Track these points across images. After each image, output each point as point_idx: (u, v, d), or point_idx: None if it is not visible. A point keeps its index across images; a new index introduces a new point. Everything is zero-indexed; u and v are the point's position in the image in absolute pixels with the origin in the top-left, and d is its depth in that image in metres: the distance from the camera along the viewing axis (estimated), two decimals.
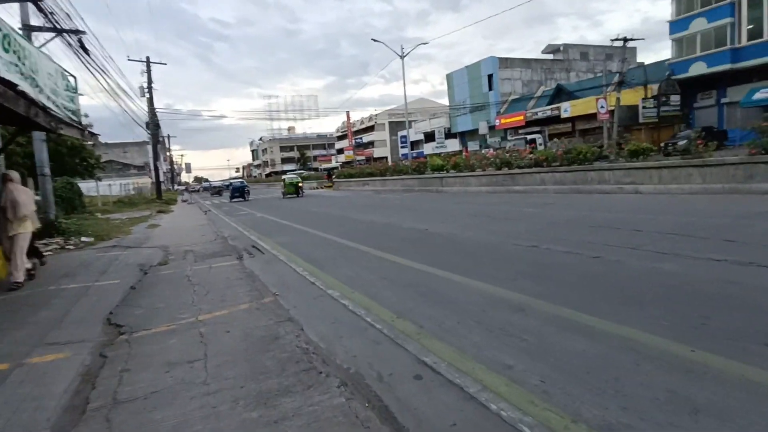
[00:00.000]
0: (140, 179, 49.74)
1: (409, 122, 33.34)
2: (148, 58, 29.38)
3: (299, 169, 68.78)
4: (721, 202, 9.16)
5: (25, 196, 5.78)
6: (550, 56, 46.02)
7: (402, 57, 27.56)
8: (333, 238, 8.77)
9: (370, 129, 73.33)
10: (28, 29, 10.01)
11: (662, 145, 22.30)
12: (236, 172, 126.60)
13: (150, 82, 29.76)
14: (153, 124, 30.78)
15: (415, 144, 50.26)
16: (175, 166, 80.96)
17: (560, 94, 35.42)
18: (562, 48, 45.53)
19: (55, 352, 3.51)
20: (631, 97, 27.93)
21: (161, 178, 36.55)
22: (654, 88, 27.60)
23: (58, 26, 9.87)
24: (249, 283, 5.42)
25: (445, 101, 52.87)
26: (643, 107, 27.18)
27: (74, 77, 7.72)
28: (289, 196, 27.32)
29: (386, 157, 62.48)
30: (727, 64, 25.07)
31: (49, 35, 10.21)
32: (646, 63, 33.69)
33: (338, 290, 4.78)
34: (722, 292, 3.72)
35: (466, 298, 4.17)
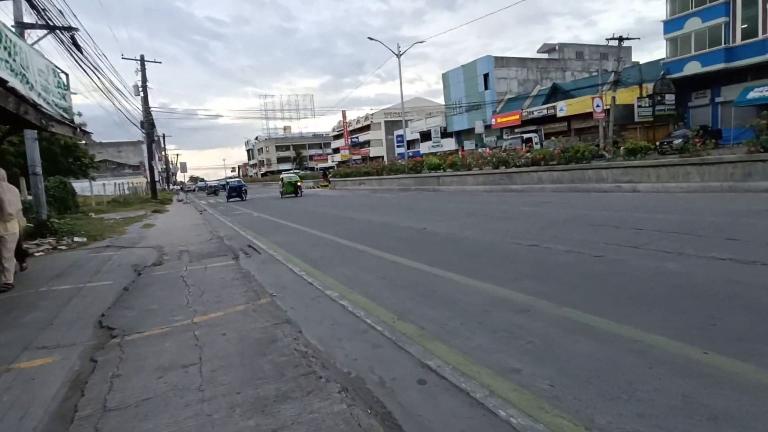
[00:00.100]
0: (135, 179, 49.30)
1: (406, 121, 33.23)
2: (142, 56, 29.08)
3: (295, 169, 68.48)
4: (719, 200, 9.14)
5: (11, 195, 5.62)
6: (546, 55, 46.09)
7: (398, 55, 27.46)
8: (330, 237, 8.67)
9: (366, 128, 73.19)
10: (21, 26, 9.82)
11: (657, 144, 22.35)
12: (232, 171, 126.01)
13: (144, 80, 29.47)
14: (148, 123, 30.49)
15: (411, 143, 50.20)
16: (171, 166, 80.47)
17: (556, 93, 35.49)
18: (557, 47, 45.60)
19: (44, 356, 3.38)
20: (626, 96, 28.00)
21: (156, 178, 36.24)
22: (649, 87, 27.69)
23: (51, 23, 9.69)
24: (245, 284, 5.31)
25: (441, 100, 52.86)
26: (639, 106, 27.25)
27: (66, 74, 7.57)
28: (287, 195, 26.53)
29: (382, 157, 62.37)
30: (721, 64, 25.18)
31: (41, 33, 10.02)
32: (640, 62, 33.82)
33: (336, 291, 4.68)
34: (728, 291, 3.65)
35: (468, 298, 4.08)
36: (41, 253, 8.52)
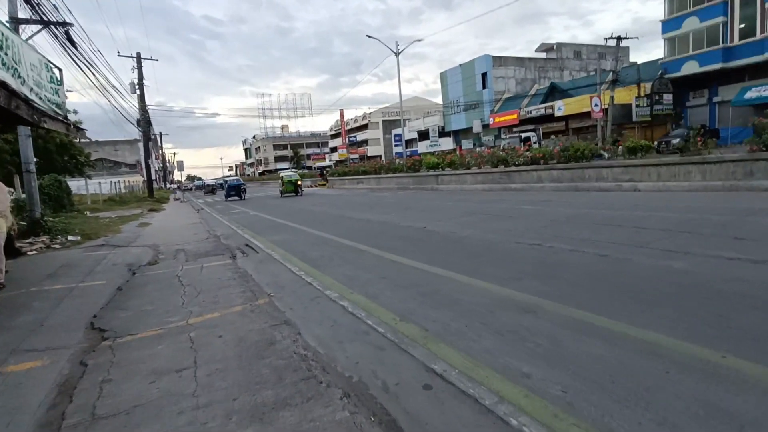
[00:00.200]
0: (132, 177, 48.96)
1: (404, 120, 33.10)
2: (138, 54, 28.84)
3: (293, 168, 68.23)
4: (721, 199, 9.07)
5: (0, 194, 5.48)
6: (544, 55, 46.05)
7: (397, 54, 27.33)
8: (329, 236, 8.54)
9: (363, 127, 73.00)
10: (15, 22, 9.63)
11: (656, 143, 22.34)
12: (229, 170, 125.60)
13: (141, 78, 29.22)
14: (144, 121, 30.25)
15: (408, 143, 50.06)
16: (167, 165, 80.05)
17: (554, 92, 35.44)
18: (555, 47, 45.56)
19: (33, 359, 3.25)
20: (624, 95, 27.99)
21: (153, 177, 35.99)
22: (647, 86, 27.68)
23: (45, 18, 9.51)
24: (242, 284, 5.18)
25: (439, 100, 52.71)
26: (637, 106, 27.24)
27: (60, 69, 7.41)
28: (287, 194, 25.68)
29: (380, 156, 62.15)
30: (719, 63, 25.17)
31: (35, 28, 9.82)
32: (638, 62, 33.82)
33: (336, 291, 4.56)
34: (738, 291, 3.55)
35: (472, 298, 3.97)
36: (34, 252, 8.35)
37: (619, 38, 26.78)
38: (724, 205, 8.30)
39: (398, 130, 45.28)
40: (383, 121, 67.69)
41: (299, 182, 26.33)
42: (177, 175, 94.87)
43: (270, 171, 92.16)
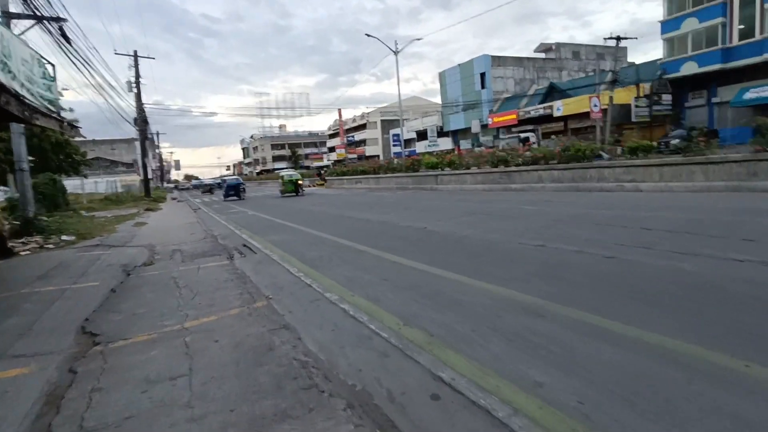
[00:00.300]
0: (128, 176, 48.69)
1: (402, 120, 32.97)
2: (135, 52, 28.59)
3: (291, 167, 67.94)
4: (725, 199, 8.97)
5: None
6: (543, 55, 46.02)
7: (396, 53, 27.21)
8: (327, 236, 8.41)
9: (362, 127, 72.81)
10: (6, 16, 9.45)
11: (655, 144, 22.28)
12: (227, 170, 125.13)
13: (138, 76, 28.98)
14: (141, 120, 30.01)
15: (407, 142, 49.97)
16: (165, 164, 79.70)
17: (553, 92, 35.36)
18: (554, 47, 45.53)
19: (20, 365, 3.10)
20: (623, 96, 27.93)
21: (150, 176, 35.73)
22: (646, 87, 27.64)
23: (38, 13, 9.32)
24: (240, 285, 5.04)
25: (437, 99, 52.65)
26: (636, 106, 27.20)
27: (52, 65, 7.25)
28: (288, 194, 24.91)
29: (378, 156, 62.02)
30: (718, 64, 25.14)
31: (28, 23, 9.65)
32: (636, 63, 33.81)
33: (337, 293, 4.43)
34: (754, 294, 3.44)
35: (477, 301, 3.84)
36: (27, 252, 8.18)
37: (618, 38, 26.73)
38: (729, 205, 8.20)
39: (397, 130, 45.20)
40: (381, 120, 67.54)
41: (300, 182, 25.54)
42: (174, 175, 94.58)
43: (268, 170, 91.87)
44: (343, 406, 2.28)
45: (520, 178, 15.72)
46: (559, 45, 45.68)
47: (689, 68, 26.25)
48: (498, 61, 41.86)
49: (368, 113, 71.69)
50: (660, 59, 28.12)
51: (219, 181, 52.73)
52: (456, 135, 45.73)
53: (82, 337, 3.63)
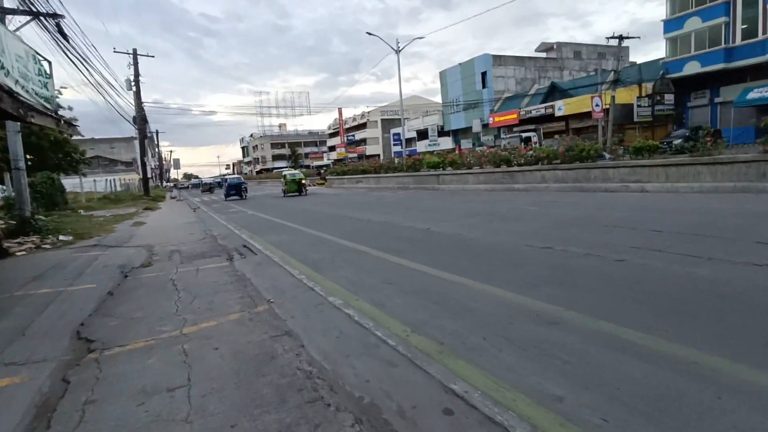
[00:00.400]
0: (127, 175, 48.53)
1: (403, 119, 32.80)
2: (135, 50, 28.42)
3: (290, 166, 67.72)
4: (734, 201, 8.83)
5: None
6: (544, 54, 45.86)
7: (398, 51, 27.03)
8: (329, 237, 8.27)
9: (362, 126, 72.61)
10: (1, 12, 9.30)
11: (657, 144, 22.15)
12: (226, 169, 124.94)
13: (137, 75, 28.80)
14: (140, 119, 29.83)
15: (407, 142, 49.70)
16: (164, 163, 79.49)
17: (554, 92, 35.23)
18: (555, 46, 45.37)
19: (11, 374, 2.96)
20: (625, 95, 27.80)
21: (149, 175, 35.56)
22: (648, 86, 27.50)
23: (34, 9, 9.16)
24: (240, 289, 4.90)
25: (437, 99, 52.49)
26: (638, 106, 27.06)
27: (49, 62, 7.10)
28: (291, 194, 24.07)
29: (378, 155, 61.85)
30: (721, 64, 25.02)
31: (24, 19, 9.48)
32: (637, 63, 33.68)
33: (340, 297, 4.29)
34: None
35: (487, 307, 3.70)
36: (23, 253, 8.04)
37: (620, 37, 26.56)
38: (739, 207, 8.07)
39: (397, 129, 44.99)
40: (382, 120, 67.36)
41: (303, 181, 24.74)
42: (173, 174, 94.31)
43: (267, 169, 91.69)
44: (351, 422, 2.15)
45: (522, 178, 15.57)
46: (560, 44, 45.51)
47: (692, 68, 26.12)
48: (499, 60, 41.69)
49: (368, 112, 71.49)
50: (662, 59, 27.99)
51: (219, 180, 52.47)
52: (457, 134, 45.59)
53: (77, 343, 3.49)
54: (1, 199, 13.58)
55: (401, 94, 29.12)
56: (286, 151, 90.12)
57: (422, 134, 49.71)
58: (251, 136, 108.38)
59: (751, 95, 24.08)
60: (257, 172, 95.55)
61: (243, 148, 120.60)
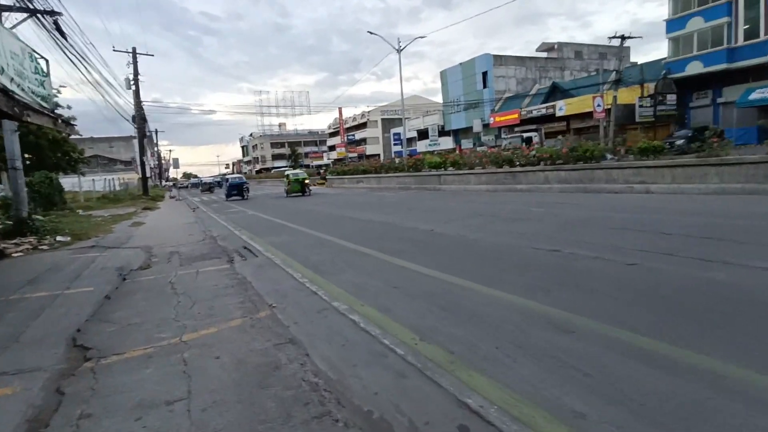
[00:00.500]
0: (127, 175, 48.40)
1: (404, 119, 32.64)
2: (134, 48, 28.27)
3: (290, 166, 67.55)
4: (743, 203, 8.70)
5: None
6: (545, 54, 45.75)
7: (399, 50, 26.90)
8: (330, 238, 8.14)
9: (362, 126, 72.47)
10: None
11: (663, 145, 22.02)
12: (226, 168, 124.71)
13: (136, 74, 28.65)
14: (139, 118, 29.68)
15: (408, 141, 49.62)
16: (163, 162, 79.29)
17: (555, 92, 35.11)
18: (556, 46, 45.26)
19: (2, 385, 2.84)
20: (627, 95, 27.68)
21: (148, 174, 35.40)
22: (650, 87, 27.39)
23: (32, 6, 9.02)
24: (241, 292, 4.77)
25: (438, 98, 52.40)
26: (640, 106, 26.94)
27: (46, 60, 6.97)
28: (294, 194, 23.53)
29: (378, 155, 61.73)
30: (723, 64, 24.91)
31: (20, 16, 9.34)
32: (638, 63, 33.57)
33: (344, 302, 4.16)
34: None
35: (497, 313, 3.58)
36: (20, 254, 7.90)
37: (623, 37, 26.45)
38: (747, 209, 7.94)
39: (398, 129, 44.88)
40: (382, 119, 67.22)
41: (306, 181, 24.14)
42: (173, 173, 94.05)
43: (267, 169, 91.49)
44: None
45: (525, 179, 15.45)
46: (561, 44, 45.41)
47: (694, 68, 26.01)
48: (500, 60, 41.57)
49: (369, 112, 71.34)
50: (664, 58, 27.88)
51: (219, 179, 52.27)
52: (457, 134, 45.49)
53: (73, 351, 3.36)
54: None
55: (402, 94, 28.98)
56: (286, 150, 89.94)
57: (423, 134, 49.58)
58: (251, 135, 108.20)
59: (753, 96, 23.99)
60: (257, 172, 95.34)
61: (243, 147, 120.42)
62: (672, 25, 27.10)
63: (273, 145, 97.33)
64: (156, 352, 3.22)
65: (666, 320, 3.17)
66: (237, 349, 3.20)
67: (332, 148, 77.31)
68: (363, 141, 71.25)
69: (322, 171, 44.97)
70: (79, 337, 3.63)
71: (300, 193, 23.62)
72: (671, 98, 26.95)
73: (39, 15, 9.01)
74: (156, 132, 59.83)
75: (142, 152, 30.90)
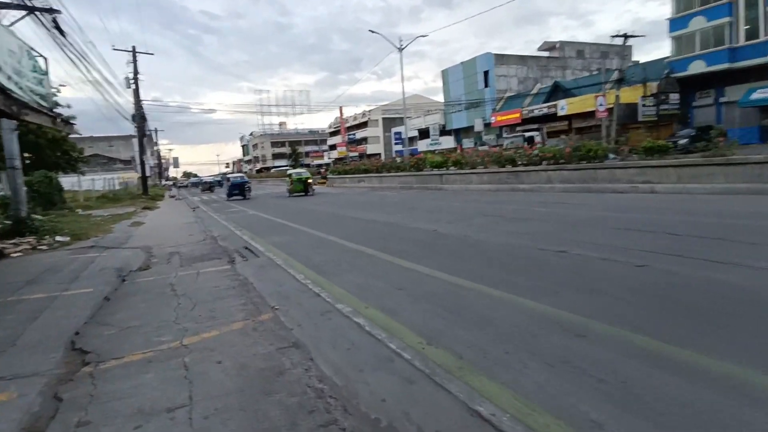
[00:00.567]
0: (126, 174, 48.27)
1: (406, 118, 32.56)
2: (134, 47, 28.20)
3: (291, 165, 67.42)
4: (750, 203, 8.60)
5: None
6: (546, 53, 45.64)
7: (400, 49, 26.81)
8: (333, 239, 8.06)
9: (363, 125, 72.36)
10: None
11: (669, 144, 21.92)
12: (226, 167, 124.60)
13: (136, 72, 28.58)
14: (139, 117, 29.60)
15: (408, 141, 49.54)
16: (163, 161, 79.22)
17: (557, 91, 34.99)
18: (558, 45, 45.16)
19: None
20: (629, 95, 27.58)
21: (148, 173, 35.30)
22: (653, 86, 27.29)
23: (30, 4, 8.93)
24: (243, 294, 4.69)
25: (439, 98, 52.33)
26: (643, 105, 26.84)
27: (44, 58, 6.89)
28: (296, 194, 23.12)
29: (379, 154, 61.63)
30: (725, 63, 24.83)
31: (18, 14, 9.24)
32: (639, 62, 33.46)
33: (349, 304, 4.08)
34: None
35: (505, 316, 3.49)
36: (18, 254, 7.83)
37: (625, 36, 26.34)
38: (756, 209, 7.84)
39: (399, 128, 44.80)
40: (383, 118, 67.12)
41: (309, 180, 23.78)
42: (173, 172, 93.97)
43: (267, 168, 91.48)
44: None
45: (528, 179, 15.37)
46: (563, 44, 45.31)
47: (697, 67, 25.92)
48: (501, 59, 41.47)
49: (369, 111, 71.24)
50: (667, 57, 27.77)
51: (219, 178, 52.18)
52: (458, 133, 45.39)
53: (71, 355, 3.28)
54: None
55: (404, 93, 28.90)
56: (286, 149, 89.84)
57: (424, 133, 49.50)
58: (251, 134, 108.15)
59: (755, 95, 23.92)
60: (257, 171, 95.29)
61: (243, 146, 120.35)
62: (675, 23, 27.00)
63: (273, 144, 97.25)
64: (156, 357, 3.13)
65: (681, 324, 3.08)
66: (239, 353, 3.12)
67: (333, 147, 77.20)
68: (364, 140, 71.14)
69: (322, 170, 44.85)
70: (78, 340, 3.55)
71: (303, 193, 23.30)
72: (674, 97, 26.84)
73: (38, 13, 8.94)
74: (156, 131, 59.75)
75: (142, 151, 30.82)
